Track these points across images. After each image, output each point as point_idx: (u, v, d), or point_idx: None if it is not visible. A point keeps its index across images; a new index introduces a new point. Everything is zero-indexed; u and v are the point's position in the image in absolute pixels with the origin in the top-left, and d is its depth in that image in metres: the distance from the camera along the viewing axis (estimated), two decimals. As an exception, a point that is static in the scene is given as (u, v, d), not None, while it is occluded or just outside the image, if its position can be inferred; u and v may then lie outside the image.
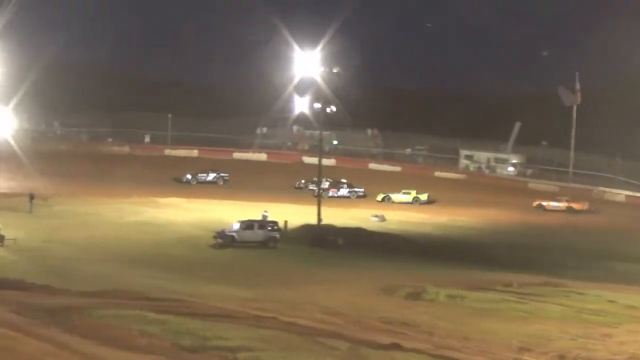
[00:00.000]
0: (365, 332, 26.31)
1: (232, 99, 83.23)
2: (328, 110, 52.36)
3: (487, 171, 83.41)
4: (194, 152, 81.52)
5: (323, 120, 53.92)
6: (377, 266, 43.93)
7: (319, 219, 51.91)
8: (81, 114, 76.98)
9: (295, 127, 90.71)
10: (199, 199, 62.65)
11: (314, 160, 59.94)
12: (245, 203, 58.95)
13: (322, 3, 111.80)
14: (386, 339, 24.79)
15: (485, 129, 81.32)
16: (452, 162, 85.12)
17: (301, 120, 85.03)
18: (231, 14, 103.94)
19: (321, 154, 54.12)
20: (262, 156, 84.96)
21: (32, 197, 53.27)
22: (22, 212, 50.54)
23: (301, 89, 72.85)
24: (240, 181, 70.24)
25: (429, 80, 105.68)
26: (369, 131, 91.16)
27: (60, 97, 73.35)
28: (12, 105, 52.02)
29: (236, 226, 49.37)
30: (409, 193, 68.77)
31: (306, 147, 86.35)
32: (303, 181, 70.42)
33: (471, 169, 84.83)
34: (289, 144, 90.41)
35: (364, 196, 69.59)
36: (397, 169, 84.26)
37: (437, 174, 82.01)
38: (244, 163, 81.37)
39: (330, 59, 52.67)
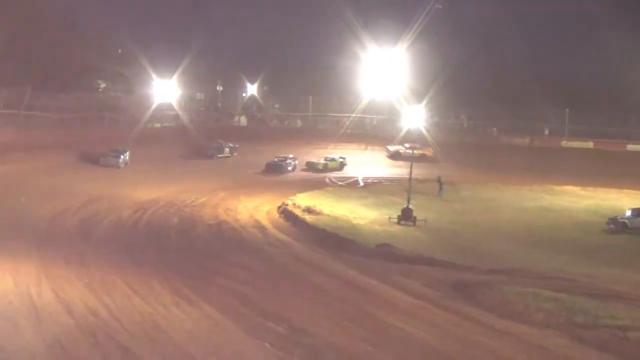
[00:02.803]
0: None
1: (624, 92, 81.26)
2: None
3: None
4: (589, 144, 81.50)
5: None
6: None
7: None
8: (486, 108, 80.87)
9: None
10: (593, 187, 64.19)
11: None
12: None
13: None
14: None
15: None
16: None
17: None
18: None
19: None
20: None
21: (441, 182, 58.00)
22: (432, 196, 54.80)
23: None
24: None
25: None
26: None
27: (466, 93, 78.40)
28: (424, 102, 57.62)
29: (629, 213, 50.99)
30: None
31: None
32: None
33: None
34: None
35: None
36: None
37: None
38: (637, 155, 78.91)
39: None
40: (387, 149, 75.71)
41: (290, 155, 70.74)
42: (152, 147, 66.73)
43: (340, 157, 73.04)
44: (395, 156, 74.39)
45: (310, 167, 70.81)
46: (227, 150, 73.07)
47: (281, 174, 66.34)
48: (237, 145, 73.36)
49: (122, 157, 63.54)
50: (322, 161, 71.63)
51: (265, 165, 68.29)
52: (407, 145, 70.52)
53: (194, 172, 60.89)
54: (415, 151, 63.21)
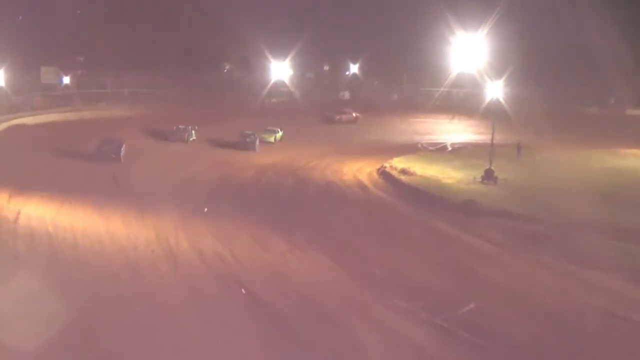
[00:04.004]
0: None
1: None
2: None
3: None
4: None
5: None
6: None
7: None
8: (558, 81, 78.94)
9: None
10: None
11: None
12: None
13: None
14: None
15: None
16: None
17: None
18: None
19: None
20: None
21: (519, 147, 57.21)
22: (511, 159, 53.26)
23: None
24: None
25: None
26: None
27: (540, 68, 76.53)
28: (504, 76, 56.80)
29: None
30: None
31: None
32: None
33: None
34: None
35: None
36: None
37: None
38: None
39: None
40: (324, 114, 73.18)
41: (249, 131, 59.47)
42: (267, 119, 67.67)
43: (278, 130, 63.88)
44: (328, 120, 72.31)
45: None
46: (191, 134, 59.23)
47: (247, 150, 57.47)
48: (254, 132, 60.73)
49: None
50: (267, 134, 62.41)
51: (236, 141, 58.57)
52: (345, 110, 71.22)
53: (305, 140, 61.30)
54: (344, 116, 65.38)
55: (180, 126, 57.44)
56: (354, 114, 71.56)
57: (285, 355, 18.45)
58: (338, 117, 71.77)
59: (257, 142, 58.52)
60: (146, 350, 17.65)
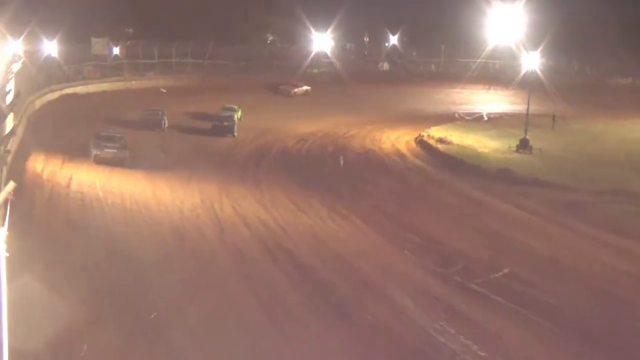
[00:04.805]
0: None
1: None
2: None
3: None
4: None
5: None
6: None
7: None
8: (594, 53, 77.26)
9: None
10: None
11: None
12: None
13: None
14: None
15: None
16: None
17: None
18: None
19: None
20: None
21: (554, 117, 56.20)
22: (546, 129, 52.69)
23: None
24: None
25: None
26: None
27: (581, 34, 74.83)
28: (540, 48, 55.83)
29: None
30: None
31: None
32: None
33: None
34: None
35: None
36: None
37: None
38: None
39: None
40: (277, 88, 67.96)
41: (158, 110, 48.95)
42: (312, 87, 67.37)
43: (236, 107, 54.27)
44: (280, 91, 67.41)
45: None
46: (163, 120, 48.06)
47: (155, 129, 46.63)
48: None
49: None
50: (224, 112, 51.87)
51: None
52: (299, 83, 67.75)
53: (347, 109, 60.87)
54: (296, 89, 63.71)
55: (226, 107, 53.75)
56: (305, 87, 67.98)
57: (325, 319, 18.53)
58: (294, 91, 67.55)
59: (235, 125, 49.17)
60: (193, 307, 17.87)
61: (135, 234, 23.69)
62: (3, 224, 6.04)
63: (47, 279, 16.98)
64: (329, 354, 16.50)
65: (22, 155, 29.95)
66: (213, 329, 16.59)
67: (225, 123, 48.47)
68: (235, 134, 47.87)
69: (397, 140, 50.30)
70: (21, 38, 42.96)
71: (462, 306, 19.83)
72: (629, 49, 71.05)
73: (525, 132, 47.64)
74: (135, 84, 61.08)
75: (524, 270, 22.88)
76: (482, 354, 16.88)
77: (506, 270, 22.77)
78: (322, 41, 75.82)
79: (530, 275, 22.48)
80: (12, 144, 23.10)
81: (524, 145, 46.62)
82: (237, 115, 52.27)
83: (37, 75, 45.94)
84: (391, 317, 18.90)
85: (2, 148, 18.06)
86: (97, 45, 65.51)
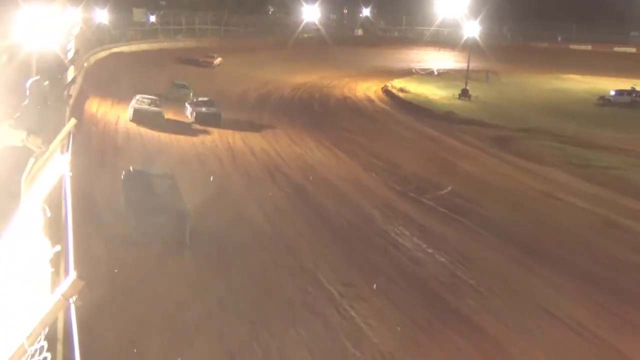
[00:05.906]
0: None
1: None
2: None
3: None
4: (589, 47, 73.09)
5: None
6: None
7: None
8: (520, 21, 75.70)
9: None
10: (590, 76, 59.50)
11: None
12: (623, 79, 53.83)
13: None
14: None
15: None
16: None
17: None
18: None
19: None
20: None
21: (488, 72, 55.79)
22: (482, 82, 52.30)
23: None
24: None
25: None
26: None
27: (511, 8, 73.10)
28: (478, 19, 54.91)
29: (613, 93, 48.42)
30: None
31: None
32: None
33: None
34: None
35: None
36: None
37: None
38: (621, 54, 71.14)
39: None
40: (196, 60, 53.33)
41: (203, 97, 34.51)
42: (303, 48, 66.06)
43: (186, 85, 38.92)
44: (201, 64, 52.55)
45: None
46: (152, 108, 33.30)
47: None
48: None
49: None
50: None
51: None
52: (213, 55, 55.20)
53: (329, 65, 59.77)
54: (215, 61, 53.36)
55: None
56: (218, 58, 54.93)
57: (310, 221, 18.69)
58: (210, 61, 53.85)
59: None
60: (213, 209, 17.77)
61: (167, 158, 23.38)
62: (67, 151, 5.94)
63: (102, 180, 18.09)
64: (314, 245, 16.82)
65: (81, 99, 29.28)
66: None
67: (207, 110, 31.61)
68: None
69: (368, 89, 49.72)
70: (79, 7, 41.64)
71: (415, 215, 19.97)
72: (548, 20, 70.46)
73: (466, 83, 47.50)
74: (167, 44, 59.63)
75: (463, 189, 23.05)
76: (430, 250, 17.10)
77: (449, 189, 22.91)
78: (311, 12, 74.05)
79: (468, 192, 22.65)
80: (73, 90, 22.53)
81: (464, 94, 46.48)
82: (190, 93, 36.68)
83: (92, 37, 44.66)
84: (362, 222, 19.04)
85: (66, 92, 17.77)
86: (137, 14, 63.67)
